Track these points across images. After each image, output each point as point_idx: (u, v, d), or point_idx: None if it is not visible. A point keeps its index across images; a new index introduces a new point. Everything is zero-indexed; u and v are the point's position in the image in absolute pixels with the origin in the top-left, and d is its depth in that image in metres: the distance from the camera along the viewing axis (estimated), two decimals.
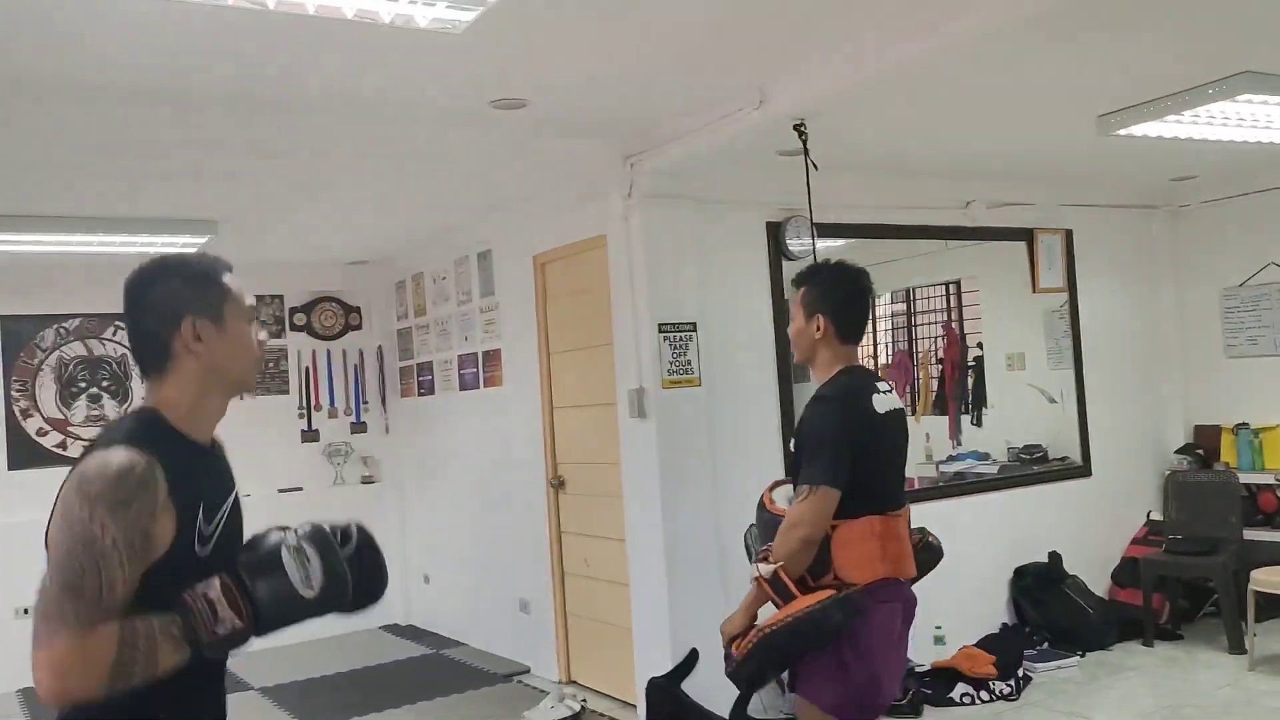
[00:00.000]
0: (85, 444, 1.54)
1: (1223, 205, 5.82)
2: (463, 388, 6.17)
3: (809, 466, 2.48)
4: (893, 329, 6.85)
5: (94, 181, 4.16)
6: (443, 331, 6.35)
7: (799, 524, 2.44)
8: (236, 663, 6.62)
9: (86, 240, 4.90)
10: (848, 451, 2.46)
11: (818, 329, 2.63)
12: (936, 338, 6.50)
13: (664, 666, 4.26)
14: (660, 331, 4.40)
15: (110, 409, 6.25)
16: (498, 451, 5.79)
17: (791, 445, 2.69)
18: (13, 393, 6.02)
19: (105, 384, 6.27)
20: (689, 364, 4.45)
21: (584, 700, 4.73)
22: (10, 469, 5.97)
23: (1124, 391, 5.93)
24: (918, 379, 6.56)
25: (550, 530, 5.30)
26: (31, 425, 6.05)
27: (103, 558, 1.42)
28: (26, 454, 6.00)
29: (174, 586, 1.49)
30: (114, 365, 6.31)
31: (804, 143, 3.97)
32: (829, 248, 5.63)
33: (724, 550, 4.38)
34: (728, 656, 2.58)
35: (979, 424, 6.18)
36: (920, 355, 6.56)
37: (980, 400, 6.14)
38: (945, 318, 6.43)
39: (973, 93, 3.85)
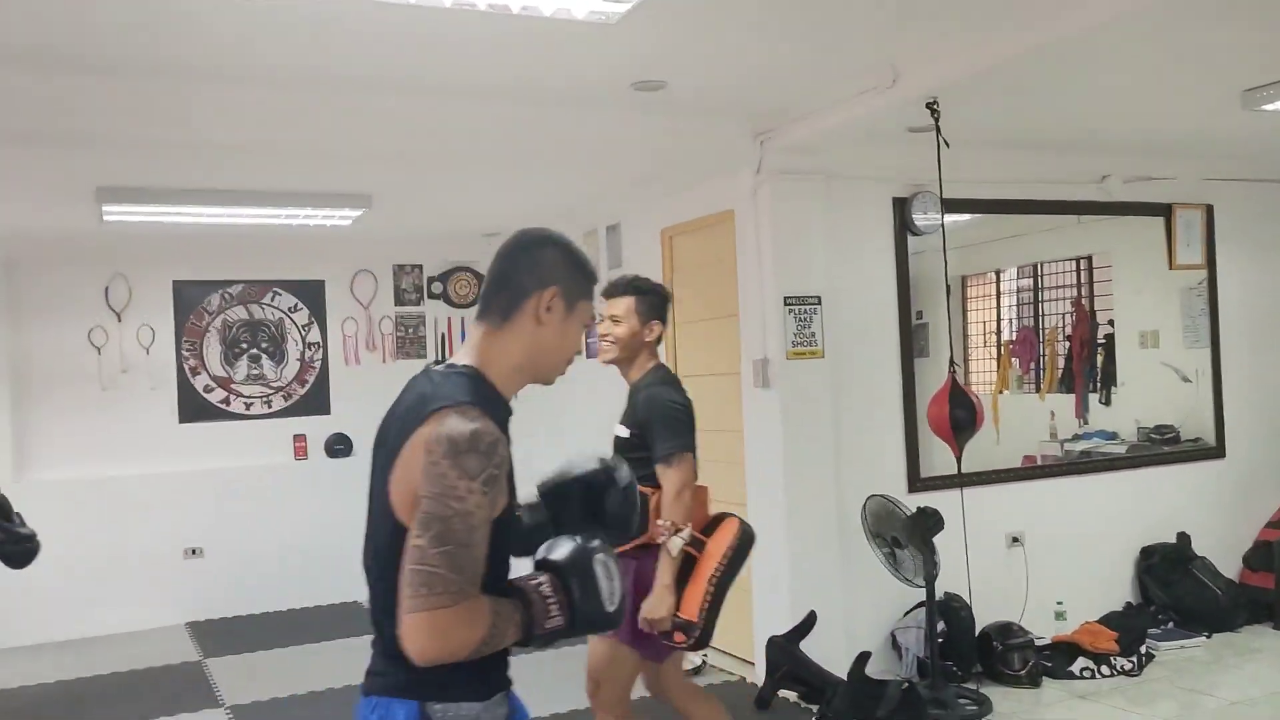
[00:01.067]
0: (422, 401, 1.58)
1: None
2: (590, 355, 6.41)
3: (671, 439, 2.97)
4: (1018, 304, 6.79)
5: (264, 159, 4.52)
6: None
7: (684, 487, 2.94)
8: None
9: (254, 213, 5.30)
10: (691, 423, 3.04)
11: (650, 333, 3.14)
12: (1065, 314, 6.42)
13: (783, 628, 4.43)
14: (786, 304, 4.53)
15: (269, 369, 6.74)
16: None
17: (623, 430, 3.15)
18: (183, 352, 6.56)
19: (264, 345, 6.77)
20: (813, 336, 4.57)
21: (705, 655, 4.94)
22: (180, 422, 6.51)
23: (1262, 372, 5.76)
24: (1043, 355, 6.50)
25: None
26: (199, 382, 6.59)
27: (477, 531, 1.48)
28: (195, 409, 6.55)
29: (496, 556, 1.56)
30: (272, 328, 6.79)
31: (936, 120, 4.03)
32: (958, 222, 5.65)
33: (844, 517, 4.51)
34: (667, 635, 2.89)
35: (1108, 403, 6.09)
36: (1046, 332, 6.49)
37: (1110, 379, 6.06)
38: (1075, 294, 6.34)
39: (1111, 69, 3.82)
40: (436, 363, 1.73)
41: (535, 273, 1.69)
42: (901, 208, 4.84)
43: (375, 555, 1.61)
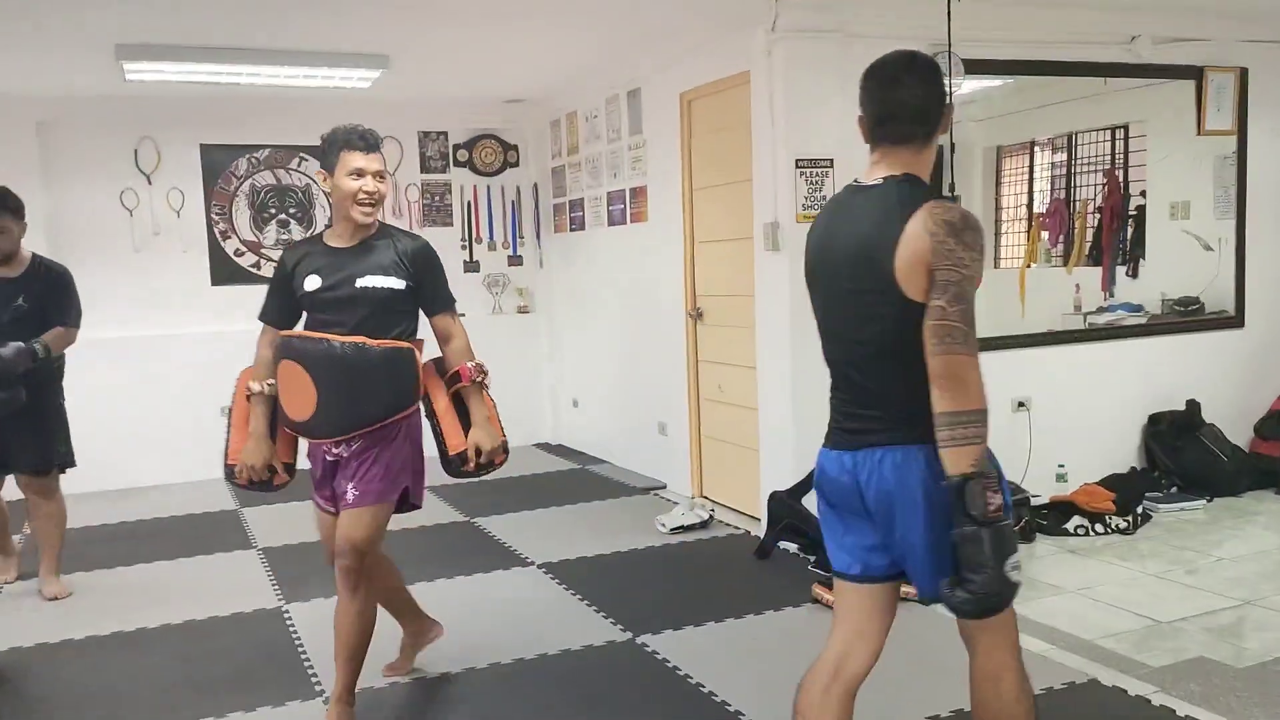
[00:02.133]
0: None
1: None
2: (611, 223, 6.47)
3: (446, 292, 3.00)
4: (1051, 176, 6.68)
5: (282, 15, 4.53)
6: (593, 169, 6.62)
7: (466, 334, 3.03)
8: None
9: (273, 72, 5.32)
10: None
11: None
12: (1097, 186, 6.32)
13: (787, 484, 4.59)
14: (797, 167, 4.53)
15: (297, 234, 6.88)
16: (642, 284, 6.11)
17: (398, 282, 2.85)
18: (213, 216, 6.70)
19: (292, 211, 6.89)
20: (824, 199, 4.57)
21: (712, 511, 5.14)
22: (213, 284, 6.71)
23: None
24: (1073, 229, 6.44)
25: (689, 358, 5.63)
26: (230, 246, 6.75)
27: (974, 292, 1.88)
28: (226, 272, 6.73)
29: None
30: (299, 194, 6.90)
31: None
32: (989, 89, 5.54)
33: None
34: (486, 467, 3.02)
35: (1135, 275, 6.06)
36: (1078, 204, 6.41)
37: (1138, 251, 6.01)
38: (1108, 165, 6.23)
39: None
40: (854, 183, 2.11)
41: (940, 98, 2.03)
42: None
43: (869, 342, 2.02)
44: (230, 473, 2.97)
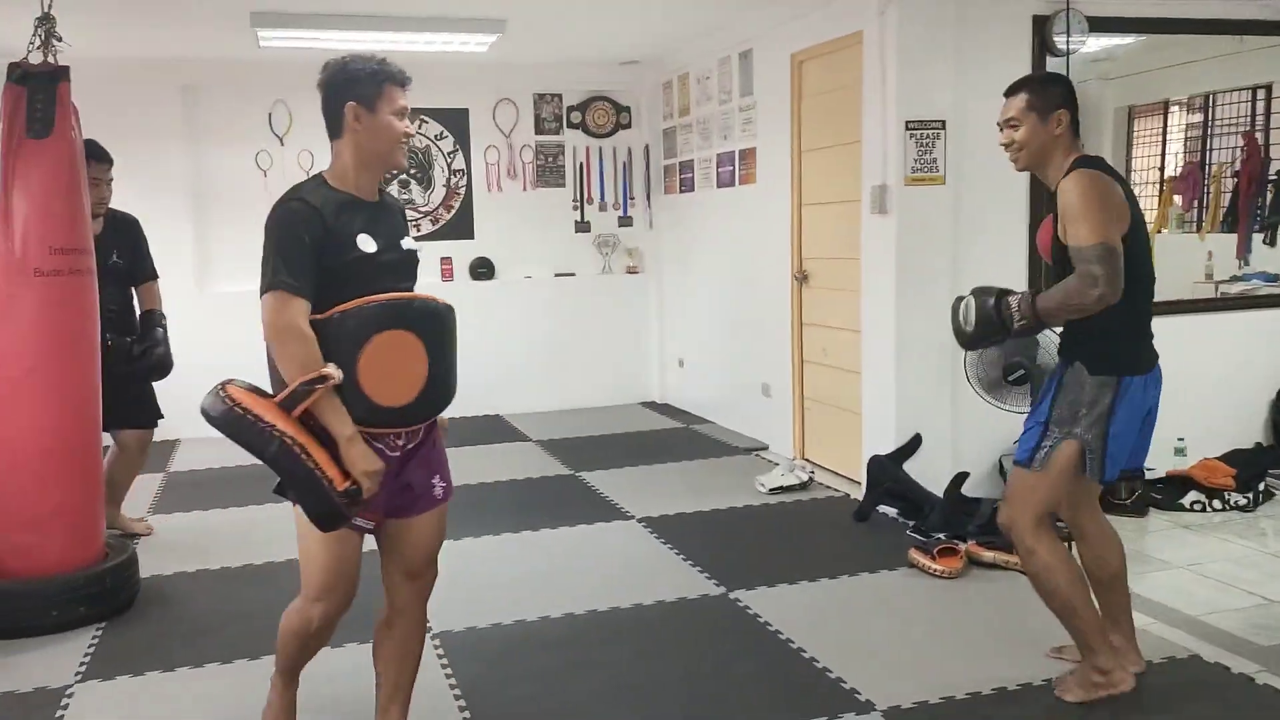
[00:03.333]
0: None
1: None
2: (720, 185, 6.49)
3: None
4: (1185, 139, 6.38)
5: None
6: (704, 131, 6.63)
7: None
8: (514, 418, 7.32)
9: (396, 38, 5.49)
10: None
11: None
12: (1235, 149, 6.02)
13: (888, 449, 4.58)
14: (907, 129, 4.47)
15: (417, 194, 7.13)
16: (749, 246, 6.12)
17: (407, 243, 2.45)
18: None
19: (413, 172, 7.13)
20: (934, 162, 4.50)
21: (812, 473, 5.16)
22: None
23: None
24: (1208, 193, 6.16)
25: (793, 321, 5.64)
26: None
27: None
28: None
29: None
30: (420, 155, 7.13)
31: None
32: (1119, 47, 5.32)
33: (953, 346, 4.53)
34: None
35: (1273, 243, 5.77)
36: (1213, 168, 6.11)
37: (1277, 218, 5.71)
38: (1248, 127, 5.92)
39: None
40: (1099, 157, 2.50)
41: None
42: (1041, 27, 4.61)
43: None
44: (351, 498, 2.18)
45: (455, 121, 7.18)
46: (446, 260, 7.19)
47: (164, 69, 6.44)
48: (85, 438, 3.59)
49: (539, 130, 7.39)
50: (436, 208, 7.20)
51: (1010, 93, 2.89)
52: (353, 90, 2.30)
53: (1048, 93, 2.81)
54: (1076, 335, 2.75)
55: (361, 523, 2.31)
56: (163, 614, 3.66)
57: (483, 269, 7.28)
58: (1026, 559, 2.79)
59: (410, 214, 7.15)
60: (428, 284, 7.00)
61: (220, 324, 6.15)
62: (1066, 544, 2.96)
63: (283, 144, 6.83)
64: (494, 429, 6.77)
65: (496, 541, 4.38)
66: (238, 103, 6.75)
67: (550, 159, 7.45)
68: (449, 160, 7.19)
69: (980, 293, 2.84)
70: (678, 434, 6.56)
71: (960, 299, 2.93)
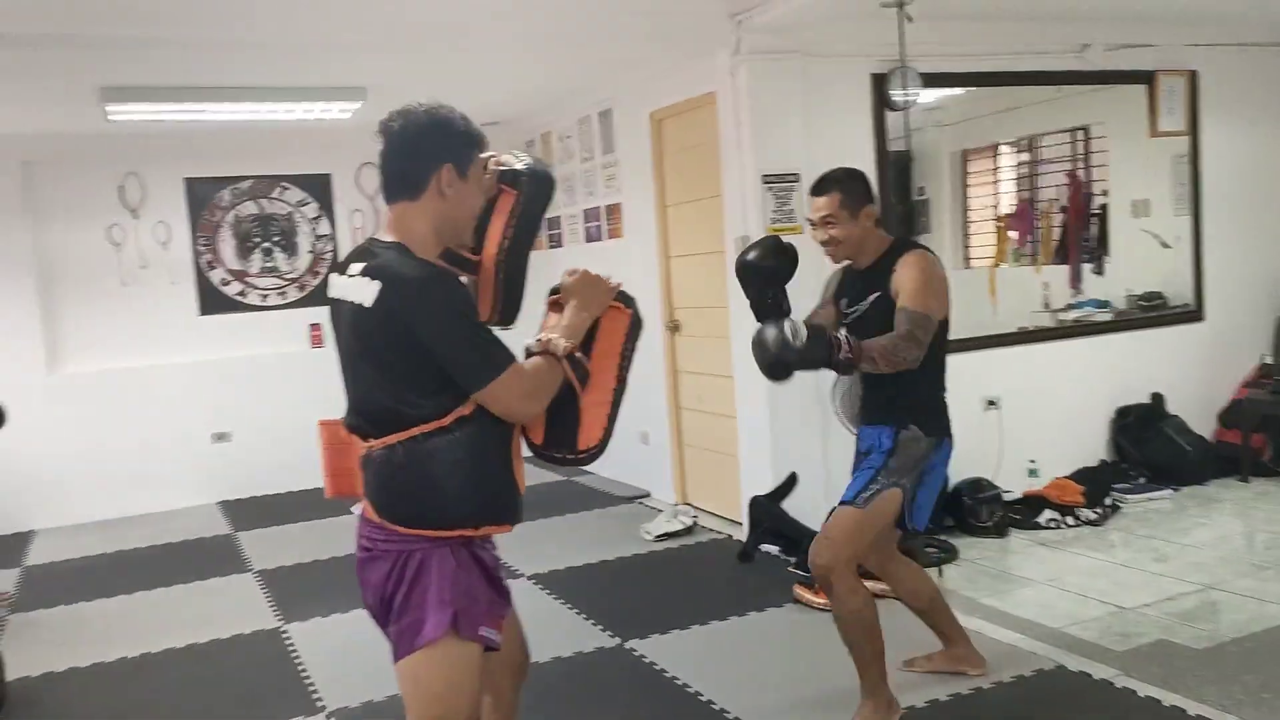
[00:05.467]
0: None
1: None
2: (588, 239, 6.62)
3: None
4: (1016, 178, 6.87)
5: (260, 55, 4.66)
6: (569, 187, 6.77)
7: None
8: None
9: (253, 109, 5.45)
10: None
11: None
12: (1061, 185, 6.51)
13: (766, 489, 4.74)
14: (764, 182, 4.69)
15: (282, 261, 7.00)
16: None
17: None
18: (199, 247, 6.82)
19: (276, 239, 7.01)
20: (792, 212, 4.74)
21: (695, 517, 5.28)
22: (201, 314, 6.83)
23: (1243, 236, 5.87)
24: (1039, 229, 6.62)
25: (668, 369, 5.79)
26: (216, 276, 6.87)
27: None
28: (214, 301, 6.85)
29: None
30: (283, 222, 7.03)
31: None
32: (951, 97, 5.71)
33: (820, 386, 4.75)
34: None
35: (1101, 272, 6.24)
36: (1043, 205, 6.59)
37: (1103, 248, 6.19)
38: (1070, 165, 6.41)
39: None
40: None
41: None
42: (880, 83, 4.93)
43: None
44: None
45: (318, 187, 7.11)
46: (316, 326, 7.07)
47: (2, 143, 6.17)
48: None
49: None
50: (303, 274, 7.08)
51: (818, 191, 3.10)
52: (449, 151, 2.04)
53: (855, 191, 3.06)
54: (907, 402, 3.02)
55: (496, 636, 2.11)
56: None
57: None
58: (848, 598, 2.92)
59: (276, 282, 7.02)
60: (296, 350, 6.94)
61: (74, 404, 5.91)
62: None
63: (136, 216, 6.62)
64: None
65: None
66: (85, 177, 6.51)
67: None
68: (313, 226, 7.10)
69: (789, 319, 2.92)
70: (559, 487, 6.59)
71: (767, 327, 2.91)
